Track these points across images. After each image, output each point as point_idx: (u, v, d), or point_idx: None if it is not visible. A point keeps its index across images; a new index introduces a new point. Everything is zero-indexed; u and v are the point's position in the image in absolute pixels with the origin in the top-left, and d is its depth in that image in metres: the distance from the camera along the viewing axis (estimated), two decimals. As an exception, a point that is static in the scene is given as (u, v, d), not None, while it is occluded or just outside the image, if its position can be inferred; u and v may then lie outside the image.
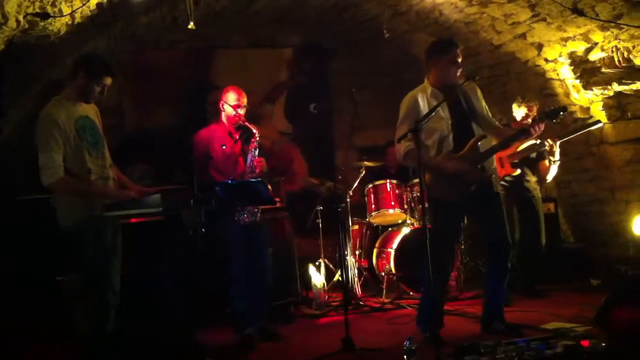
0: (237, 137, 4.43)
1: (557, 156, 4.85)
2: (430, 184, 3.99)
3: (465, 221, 5.71)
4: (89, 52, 3.76)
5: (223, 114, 4.44)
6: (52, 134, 3.30)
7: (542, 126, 4.00)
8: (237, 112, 4.34)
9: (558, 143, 4.77)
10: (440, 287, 4.10)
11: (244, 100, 4.38)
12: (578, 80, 5.24)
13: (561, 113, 4.02)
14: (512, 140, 4.18)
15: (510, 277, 4.97)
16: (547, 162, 4.93)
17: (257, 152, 4.32)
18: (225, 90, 4.43)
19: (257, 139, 4.32)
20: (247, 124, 4.34)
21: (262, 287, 4.37)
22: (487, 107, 4.23)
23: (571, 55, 5.12)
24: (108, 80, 3.49)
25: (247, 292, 4.29)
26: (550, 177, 5.17)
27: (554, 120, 4.05)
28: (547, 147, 4.82)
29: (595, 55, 5.02)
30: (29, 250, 4.68)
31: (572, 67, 5.18)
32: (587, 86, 5.19)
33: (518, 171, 5.03)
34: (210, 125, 4.52)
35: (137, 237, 4.45)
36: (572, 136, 4.85)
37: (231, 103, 4.35)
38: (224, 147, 4.37)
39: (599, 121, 4.95)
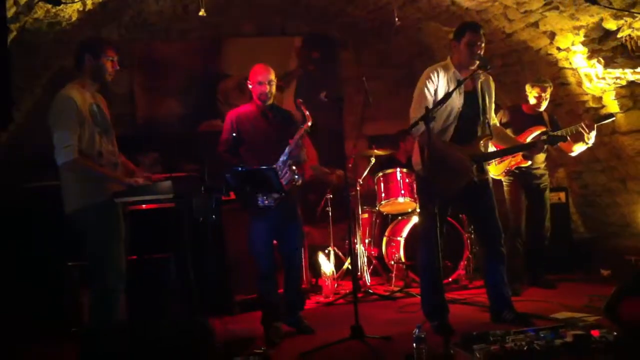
0: (271, 117, 4.26)
1: (591, 140, 4.83)
2: (427, 170, 3.98)
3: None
4: (83, 38, 3.77)
5: (253, 93, 4.28)
6: (70, 113, 3.30)
7: (543, 147, 4.43)
8: (256, 87, 4.19)
9: (594, 128, 4.75)
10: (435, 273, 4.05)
11: (269, 76, 4.19)
12: (591, 69, 5.20)
13: (559, 143, 4.76)
14: (510, 152, 4.59)
15: (516, 266, 5.02)
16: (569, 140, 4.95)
17: (301, 141, 4.14)
18: (251, 69, 4.27)
19: (307, 127, 4.13)
20: (304, 109, 4.14)
21: (290, 281, 4.33)
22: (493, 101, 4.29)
23: (584, 43, 5.07)
24: (112, 53, 3.49)
25: (276, 286, 4.28)
26: (575, 153, 5.15)
27: (553, 146, 4.79)
28: (582, 129, 4.79)
29: (608, 44, 4.97)
30: (38, 238, 4.72)
31: (585, 56, 5.12)
32: (599, 74, 5.15)
33: (529, 163, 5.01)
34: (244, 105, 4.35)
35: (146, 224, 4.48)
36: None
37: (254, 79, 4.21)
38: (254, 127, 4.21)
39: (611, 115, 4.91)
